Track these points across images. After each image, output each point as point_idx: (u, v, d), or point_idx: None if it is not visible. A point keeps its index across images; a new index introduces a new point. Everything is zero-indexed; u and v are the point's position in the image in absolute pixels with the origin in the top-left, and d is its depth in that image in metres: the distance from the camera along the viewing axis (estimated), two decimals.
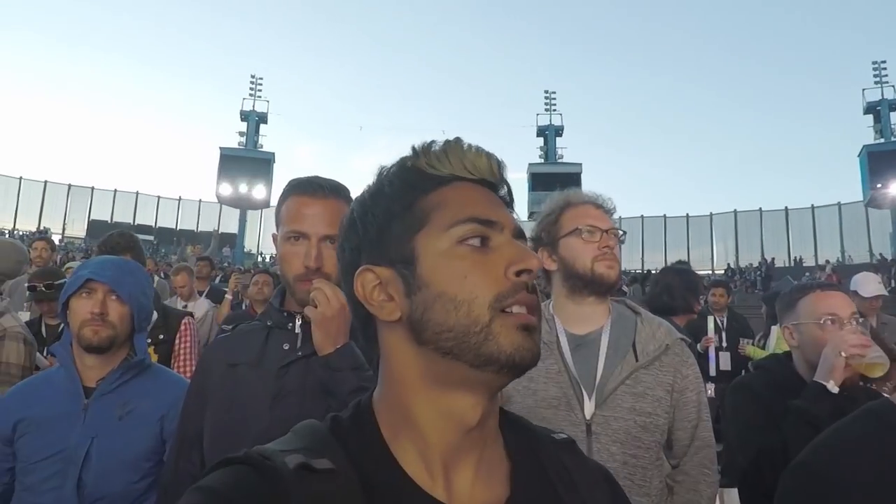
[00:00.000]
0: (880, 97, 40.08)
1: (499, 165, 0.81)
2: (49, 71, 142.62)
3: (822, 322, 2.05)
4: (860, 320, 2.11)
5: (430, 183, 0.78)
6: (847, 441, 1.22)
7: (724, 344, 6.19)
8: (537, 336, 0.74)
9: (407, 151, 0.82)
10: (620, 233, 1.94)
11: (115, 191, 47.12)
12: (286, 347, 1.59)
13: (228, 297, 6.70)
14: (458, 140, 0.81)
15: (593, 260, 1.87)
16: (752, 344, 6.14)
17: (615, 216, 1.98)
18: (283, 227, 1.62)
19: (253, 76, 48.24)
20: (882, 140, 38.96)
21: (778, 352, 2.75)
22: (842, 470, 1.16)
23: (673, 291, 3.88)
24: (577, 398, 1.81)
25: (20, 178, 45.37)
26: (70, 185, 46.35)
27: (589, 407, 1.80)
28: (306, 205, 1.59)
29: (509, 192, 0.84)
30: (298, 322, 1.60)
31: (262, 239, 46.34)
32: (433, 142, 0.81)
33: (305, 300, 1.53)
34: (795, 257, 40.86)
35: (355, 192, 0.85)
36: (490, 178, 0.80)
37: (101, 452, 1.79)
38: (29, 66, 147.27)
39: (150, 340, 3.00)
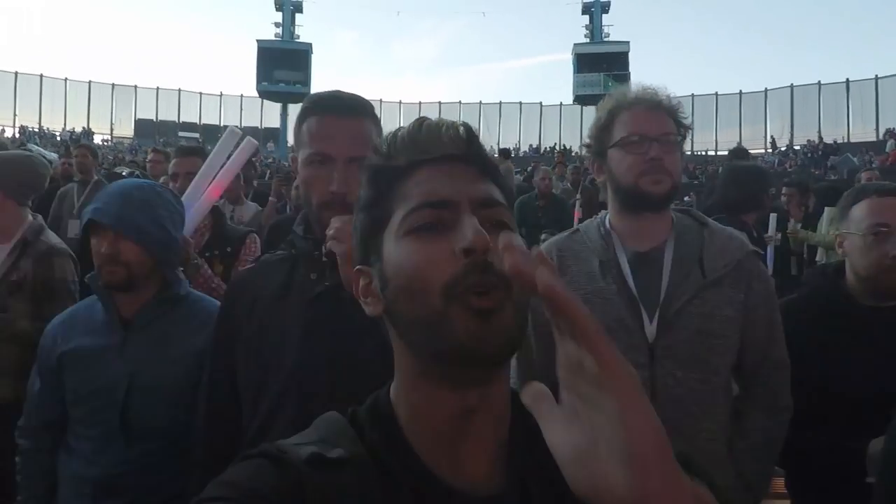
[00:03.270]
0: None
1: (463, 134, 0.77)
2: None
3: (868, 234, 1.84)
4: None
5: (391, 175, 0.77)
6: None
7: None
8: (497, 321, 0.68)
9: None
10: (678, 138, 1.74)
11: (158, 89, 47.03)
12: (314, 277, 1.48)
13: (272, 198, 6.65)
14: (419, 120, 0.79)
15: (637, 175, 1.68)
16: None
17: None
18: (306, 148, 1.49)
19: None
20: None
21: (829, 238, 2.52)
22: None
23: (742, 187, 3.64)
24: (637, 321, 1.67)
25: (65, 79, 45.59)
26: (114, 85, 46.44)
27: (650, 330, 1.67)
28: (331, 124, 1.46)
29: (482, 158, 0.79)
30: (325, 249, 1.46)
31: None
32: (398, 129, 0.79)
33: None
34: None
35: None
36: (453, 151, 0.77)
37: (142, 387, 1.74)
38: None
39: (216, 252, 2.87)
